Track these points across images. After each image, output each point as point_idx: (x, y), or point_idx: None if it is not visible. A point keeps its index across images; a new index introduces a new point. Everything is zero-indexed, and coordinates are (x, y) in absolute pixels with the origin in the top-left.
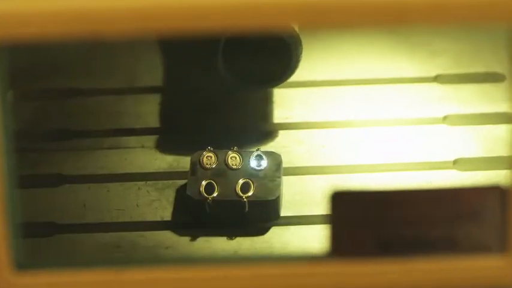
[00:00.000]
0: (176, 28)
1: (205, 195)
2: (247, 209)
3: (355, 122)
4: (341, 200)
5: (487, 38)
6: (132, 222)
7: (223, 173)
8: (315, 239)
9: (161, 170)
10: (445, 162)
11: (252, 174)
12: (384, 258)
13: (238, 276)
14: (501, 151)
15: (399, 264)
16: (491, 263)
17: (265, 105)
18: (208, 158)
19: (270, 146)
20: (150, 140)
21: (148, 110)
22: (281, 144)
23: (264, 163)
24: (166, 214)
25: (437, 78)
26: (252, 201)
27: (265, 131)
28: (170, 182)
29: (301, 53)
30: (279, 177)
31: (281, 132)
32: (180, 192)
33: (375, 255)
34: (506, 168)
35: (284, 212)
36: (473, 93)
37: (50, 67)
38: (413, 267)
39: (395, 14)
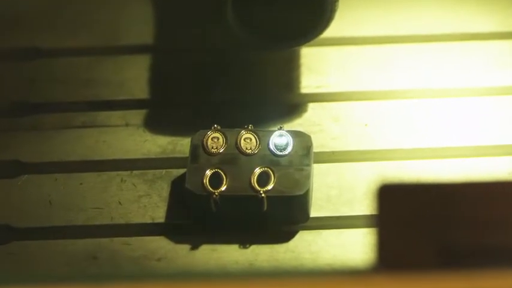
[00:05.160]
0: None
1: (210, 189)
2: (266, 207)
3: (409, 92)
4: (390, 196)
5: None
6: (113, 225)
7: (234, 159)
8: (356, 246)
9: (151, 156)
10: None
11: (273, 162)
12: (445, 270)
13: None
14: None
15: (465, 279)
16: None
17: (291, 69)
18: (215, 140)
19: (296, 124)
20: (137, 115)
21: (133, 76)
22: (311, 121)
23: (289, 147)
24: (159, 214)
25: None
26: (273, 197)
27: (290, 103)
28: (163, 171)
29: (337, 0)
30: (309, 165)
31: (311, 106)
32: (177, 185)
33: (434, 266)
34: None
35: (315, 212)
36: None
37: (4, 21)
38: (483, 283)
39: None
